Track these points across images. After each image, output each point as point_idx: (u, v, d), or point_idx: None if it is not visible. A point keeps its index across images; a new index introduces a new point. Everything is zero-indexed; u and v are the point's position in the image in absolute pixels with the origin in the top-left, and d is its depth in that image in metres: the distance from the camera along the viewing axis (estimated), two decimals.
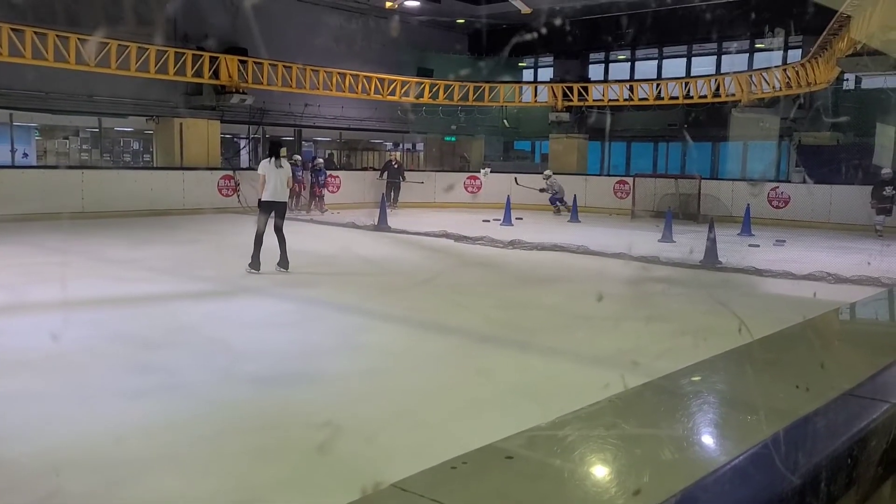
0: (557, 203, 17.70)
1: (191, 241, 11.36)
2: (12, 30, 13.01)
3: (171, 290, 7.66)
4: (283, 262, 8.35)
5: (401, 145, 24.17)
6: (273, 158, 8.47)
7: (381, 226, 13.46)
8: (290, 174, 8.61)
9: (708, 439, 1.22)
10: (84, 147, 21.14)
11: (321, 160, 17.63)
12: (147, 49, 14.84)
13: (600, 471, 1.07)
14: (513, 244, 11.21)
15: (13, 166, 15.93)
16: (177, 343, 5.46)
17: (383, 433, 3.65)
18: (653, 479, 0.98)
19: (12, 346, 5.18)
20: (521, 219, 15.06)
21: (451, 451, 1.04)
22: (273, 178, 8.37)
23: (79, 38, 13.75)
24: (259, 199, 8.45)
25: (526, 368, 4.84)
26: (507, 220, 14.73)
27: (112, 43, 14.17)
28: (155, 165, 17.93)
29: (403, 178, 18.17)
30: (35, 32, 13.27)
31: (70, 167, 17.93)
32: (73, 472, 3.20)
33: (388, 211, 14.29)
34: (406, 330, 6.15)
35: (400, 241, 12.11)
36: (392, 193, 17.70)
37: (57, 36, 13.56)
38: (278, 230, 8.36)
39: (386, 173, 18.15)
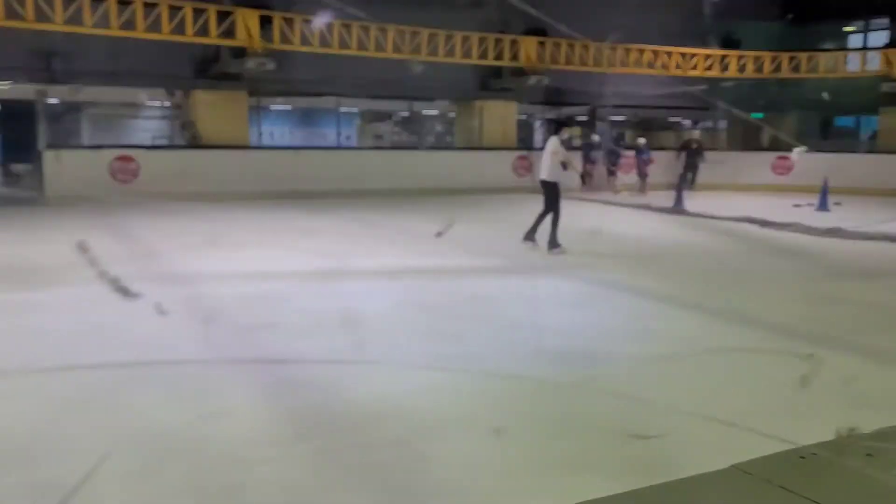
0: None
1: (486, 220, 11.75)
2: (343, 25, 14.35)
3: (467, 264, 7.95)
4: (552, 241, 8.38)
5: (700, 124, 22.91)
6: (555, 137, 8.57)
7: (678, 208, 12.86)
8: (564, 153, 8.57)
9: None
10: (395, 130, 22.83)
11: (643, 140, 17.29)
12: (453, 36, 15.56)
13: None
14: (831, 232, 10.06)
15: (338, 148, 17.72)
16: (476, 315, 5.62)
17: (686, 424, 3.42)
18: None
19: (332, 307, 5.67)
20: (840, 203, 13.48)
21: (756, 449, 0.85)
22: (545, 157, 8.46)
23: (396, 29, 14.81)
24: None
25: (846, 372, 4.24)
26: (822, 205, 13.28)
27: (423, 32, 15.06)
28: (455, 146, 18.86)
29: (703, 160, 17.21)
30: (362, 27, 14.51)
31: (380, 148, 19.51)
32: (386, 423, 3.44)
33: (685, 193, 13.62)
34: (701, 318, 5.75)
35: (697, 224, 11.47)
36: (690, 175, 16.85)
37: (379, 29, 14.73)
38: (549, 210, 8.42)
39: (684, 154, 17.32)
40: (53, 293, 6.04)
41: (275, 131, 20.43)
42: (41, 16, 12.00)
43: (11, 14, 11.79)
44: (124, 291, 5.43)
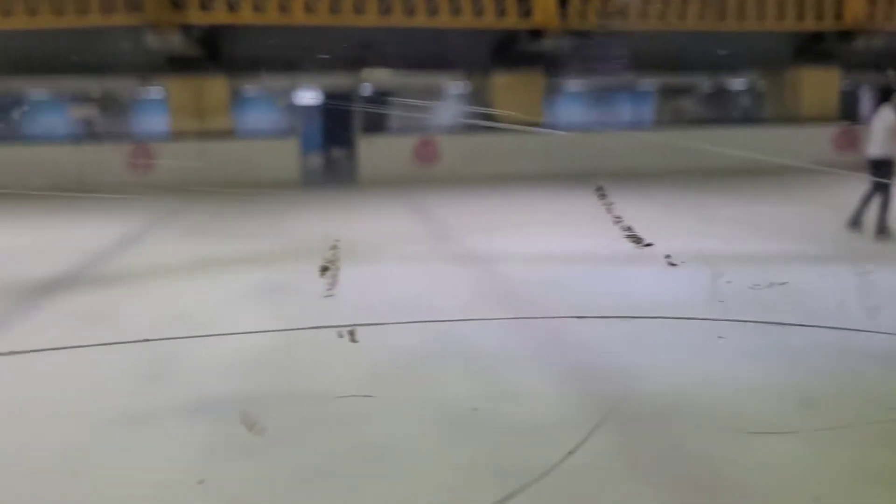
0: None
1: (800, 201, 10.60)
2: None
3: (776, 250, 7.16)
4: (880, 229, 7.21)
5: None
6: (889, 107, 7.36)
7: None
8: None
9: None
10: (697, 106, 21.60)
11: None
12: None
13: None
14: None
15: (634, 127, 17.16)
16: (787, 307, 4.97)
17: None
18: None
19: (630, 293, 5.37)
20: None
21: None
22: (877, 131, 7.31)
23: None
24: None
25: None
26: None
27: None
28: (766, 121, 17.35)
29: None
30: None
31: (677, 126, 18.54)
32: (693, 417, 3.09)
33: None
34: None
35: None
36: None
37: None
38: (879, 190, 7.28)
39: None
40: (367, 268, 6.41)
41: (570, 112, 20.34)
42: (359, 9, 13.02)
43: (334, 10, 12.93)
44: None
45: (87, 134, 16.44)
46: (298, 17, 13.03)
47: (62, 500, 2.43)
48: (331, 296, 3.01)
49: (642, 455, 2.80)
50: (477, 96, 16.38)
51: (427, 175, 13.40)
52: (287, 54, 13.54)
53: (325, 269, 2.73)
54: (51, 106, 17.26)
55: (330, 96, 17.71)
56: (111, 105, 16.91)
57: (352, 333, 2.77)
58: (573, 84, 19.54)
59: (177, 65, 13.67)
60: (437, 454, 2.77)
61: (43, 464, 2.65)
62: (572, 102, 20.96)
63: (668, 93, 21.54)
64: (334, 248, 2.70)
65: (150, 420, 3.07)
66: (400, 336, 4.27)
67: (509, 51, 14.71)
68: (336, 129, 17.38)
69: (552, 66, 14.88)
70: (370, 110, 15.97)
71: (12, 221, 9.91)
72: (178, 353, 3.93)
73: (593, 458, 2.62)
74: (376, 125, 16.39)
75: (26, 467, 2.63)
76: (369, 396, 3.22)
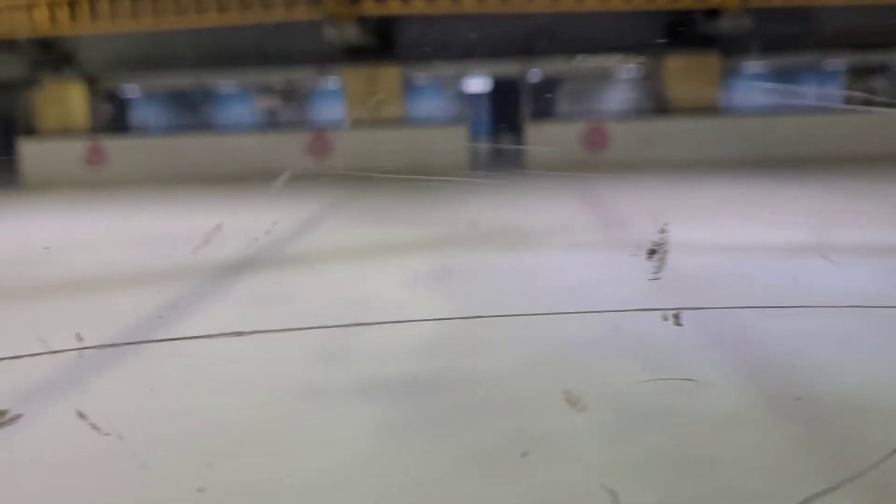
0: None
1: None
2: None
3: None
4: None
5: None
6: None
7: None
8: None
9: None
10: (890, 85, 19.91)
11: None
12: None
13: None
14: None
15: (819, 109, 16.04)
16: None
17: None
18: None
19: (808, 285, 5.02)
20: None
21: None
22: None
23: None
24: None
25: None
26: None
27: None
28: None
29: None
30: None
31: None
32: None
33: None
34: None
35: None
36: None
37: None
38: None
39: None
40: (534, 255, 6.41)
41: (748, 93, 19.32)
42: None
43: None
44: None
45: (271, 123, 17.49)
46: (469, 5, 13.17)
47: (248, 465, 2.60)
48: (657, 279, 3.01)
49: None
50: (648, 80, 15.90)
51: (596, 161, 13.19)
52: (457, 42, 13.73)
53: (652, 253, 2.77)
54: (238, 97, 18.50)
55: (498, 83, 17.81)
56: (292, 95, 17.88)
57: (676, 317, 2.80)
58: (752, 65, 18.54)
59: (352, 55, 14.22)
60: (607, 445, 2.71)
61: (233, 435, 2.84)
62: (751, 84, 19.90)
63: (859, 72, 19.95)
64: (663, 231, 2.72)
65: (328, 398, 3.22)
66: (570, 325, 4.24)
67: (683, 32, 14.14)
68: (504, 115, 17.46)
69: (729, 46, 14.17)
70: (539, 96, 15.90)
71: (203, 205, 10.72)
72: (354, 334, 4.09)
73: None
74: (545, 111, 16.30)
75: (220, 438, 2.83)
76: (689, 380, 3.19)
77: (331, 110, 17.04)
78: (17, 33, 14.22)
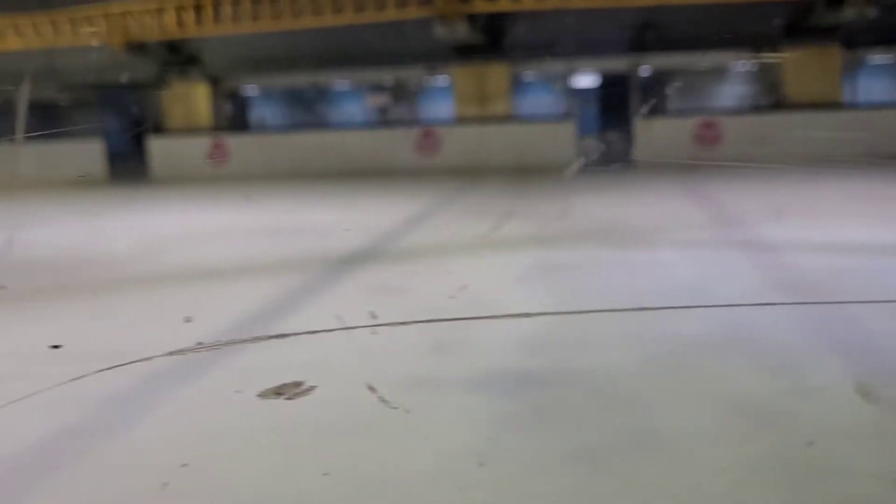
0: None
1: None
2: None
3: None
4: None
5: None
6: None
7: None
8: None
9: None
10: None
11: None
12: None
13: None
14: None
15: None
16: None
17: None
18: None
19: None
20: None
21: None
22: None
23: None
24: None
25: None
26: None
27: None
28: None
29: None
30: None
31: None
32: None
33: None
34: None
35: None
36: None
37: None
38: None
39: None
40: (642, 252, 6.39)
41: (875, 86, 18.34)
42: None
43: None
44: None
45: (382, 120, 17.92)
46: (578, 0, 13.11)
47: (357, 448, 2.75)
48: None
49: None
50: (764, 75, 15.39)
51: (708, 157, 12.89)
52: (566, 38, 13.70)
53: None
54: (350, 95, 19.02)
55: (607, 78, 17.61)
56: (402, 93, 18.25)
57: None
58: (878, 57, 17.61)
59: (462, 53, 14.41)
60: (720, 446, 2.65)
61: (348, 420, 3.00)
62: (876, 77, 18.91)
63: None
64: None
65: (436, 390, 3.31)
66: (680, 322, 4.22)
67: (802, 24, 13.61)
68: (613, 111, 17.26)
69: (852, 38, 13.54)
70: (648, 92, 15.65)
71: (320, 200, 11.14)
72: (463, 327, 4.21)
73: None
74: (654, 107, 16.02)
75: (342, 424, 3.00)
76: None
77: (440, 107, 17.30)
78: (148, 36, 15.12)
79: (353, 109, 18.98)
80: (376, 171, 13.75)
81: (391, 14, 13.69)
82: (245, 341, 3.84)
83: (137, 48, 15.30)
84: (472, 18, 13.39)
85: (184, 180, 14.60)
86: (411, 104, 18.79)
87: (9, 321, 4.81)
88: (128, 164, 16.24)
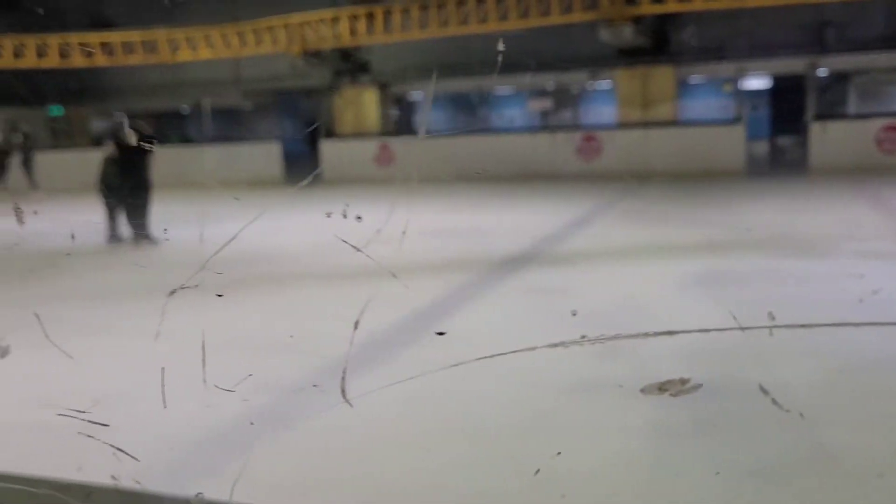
0: None
1: None
2: None
3: None
4: None
5: None
6: None
7: None
8: None
9: None
10: None
11: None
12: None
13: None
14: None
15: None
16: None
17: None
18: None
19: None
20: None
21: None
22: None
23: None
24: None
25: None
26: None
27: None
28: None
29: None
30: None
31: None
32: None
33: None
34: None
35: None
36: None
37: None
38: None
39: None
40: (817, 262, 6.14)
41: None
42: None
43: None
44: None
45: (543, 125, 18.03)
46: None
47: (536, 448, 2.88)
48: None
49: None
50: None
51: (893, 163, 12.05)
52: (736, 40, 13.25)
53: None
54: (512, 100, 19.27)
55: (780, 80, 16.85)
56: (564, 97, 18.28)
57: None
58: None
59: (626, 57, 14.26)
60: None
61: (520, 422, 3.13)
62: None
63: None
64: None
65: (604, 395, 3.37)
66: (860, 338, 4.06)
67: None
68: (787, 114, 16.50)
69: None
70: (825, 94, 14.84)
71: (480, 203, 11.37)
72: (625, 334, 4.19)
73: None
74: (832, 110, 15.18)
75: (511, 424, 3.15)
76: None
77: (602, 112, 17.19)
78: (323, 45, 16.01)
79: (515, 114, 19.20)
80: (538, 175, 13.87)
81: (555, 19, 13.77)
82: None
83: (313, 56, 16.23)
84: (637, 21, 13.24)
85: (352, 181, 15.30)
86: (573, 108, 18.77)
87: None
88: (303, 166, 17.26)
